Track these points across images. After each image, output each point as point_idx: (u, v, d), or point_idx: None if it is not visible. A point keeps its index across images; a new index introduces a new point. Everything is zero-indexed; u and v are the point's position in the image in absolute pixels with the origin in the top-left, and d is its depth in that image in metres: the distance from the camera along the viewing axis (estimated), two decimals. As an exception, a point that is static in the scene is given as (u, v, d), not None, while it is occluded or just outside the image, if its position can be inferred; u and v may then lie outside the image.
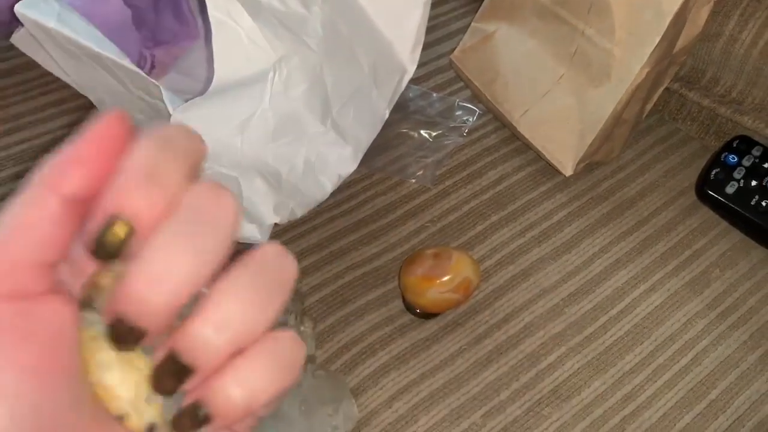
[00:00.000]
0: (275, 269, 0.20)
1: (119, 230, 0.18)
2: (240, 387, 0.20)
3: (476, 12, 0.66)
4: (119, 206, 0.18)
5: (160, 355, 0.20)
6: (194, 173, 0.20)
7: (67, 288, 0.20)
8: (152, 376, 0.20)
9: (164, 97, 0.42)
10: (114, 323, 0.19)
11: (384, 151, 0.62)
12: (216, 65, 0.43)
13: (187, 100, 0.46)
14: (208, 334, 0.19)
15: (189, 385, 0.20)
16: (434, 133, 0.64)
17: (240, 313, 0.19)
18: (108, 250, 0.18)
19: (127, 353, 0.21)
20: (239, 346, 0.20)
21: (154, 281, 0.18)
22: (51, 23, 0.44)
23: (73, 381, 0.19)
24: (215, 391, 0.20)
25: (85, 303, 0.20)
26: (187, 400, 0.20)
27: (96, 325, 0.20)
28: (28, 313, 0.18)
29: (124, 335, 0.19)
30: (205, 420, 0.20)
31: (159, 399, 0.21)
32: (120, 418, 0.20)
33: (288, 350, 0.20)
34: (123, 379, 0.20)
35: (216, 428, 0.20)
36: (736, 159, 0.60)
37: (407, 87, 0.58)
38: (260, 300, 0.20)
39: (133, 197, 0.18)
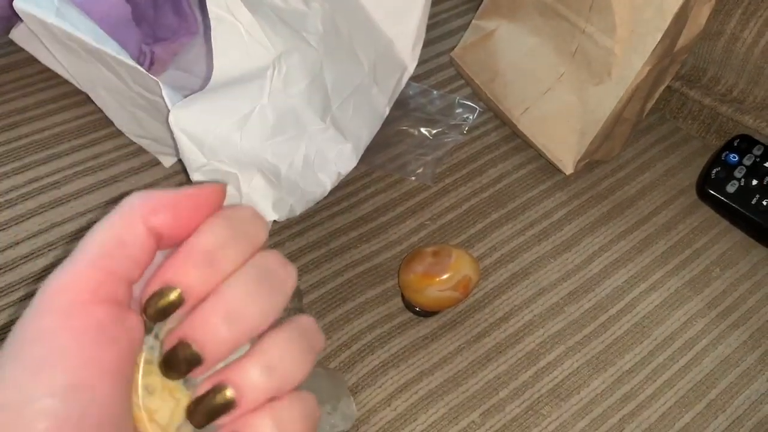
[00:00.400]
0: (313, 336, 0.23)
1: (171, 296, 0.21)
2: (275, 426, 0.21)
3: (477, 9, 0.66)
4: (176, 279, 0.21)
5: (203, 389, 0.22)
6: (255, 254, 0.22)
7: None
8: (192, 404, 0.22)
9: (163, 94, 0.42)
10: (175, 347, 0.21)
11: (384, 148, 0.62)
12: (215, 61, 0.43)
13: (186, 96, 0.46)
14: (258, 372, 0.21)
15: (223, 421, 0.22)
16: (434, 131, 0.64)
17: (287, 362, 0.22)
18: (158, 312, 0.21)
19: (171, 383, 0.22)
20: (279, 393, 0.22)
21: (230, 314, 0.21)
22: (50, 18, 0.44)
23: (130, 392, 0.21)
24: (251, 426, 0.21)
25: (150, 328, 0.22)
26: None
27: (152, 350, 0.22)
28: (119, 320, 0.21)
29: (180, 361, 0.21)
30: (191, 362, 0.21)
31: (188, 430, 0.22)
32: None
33: (313, 407, 0.23)
34: (161, 406, 0.22)
35: None
36: (737, 158, 0.60)
37: (407, 84, 0.58)
38: (302, 356, 0.22)
39: (190, 275, 0.21)
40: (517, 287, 0.55)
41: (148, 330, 0.22)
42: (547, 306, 0.54)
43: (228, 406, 0.21)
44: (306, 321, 0.23)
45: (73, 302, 0.20)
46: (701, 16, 0.55)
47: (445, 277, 0.50)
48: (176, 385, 0.22)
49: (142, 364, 0.22)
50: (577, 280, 0.56)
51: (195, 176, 0.44)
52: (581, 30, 0.56)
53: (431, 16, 0.61)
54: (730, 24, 0.60)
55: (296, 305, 0.50)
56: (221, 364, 0.22)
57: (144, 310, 0.21)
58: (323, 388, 0.47)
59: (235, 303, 0.21)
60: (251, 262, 0.22)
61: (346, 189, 0.59)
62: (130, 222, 0.21)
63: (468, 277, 0.50)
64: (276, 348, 0.22)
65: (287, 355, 0.22)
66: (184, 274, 0.21)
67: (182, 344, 0.21)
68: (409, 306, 0.52)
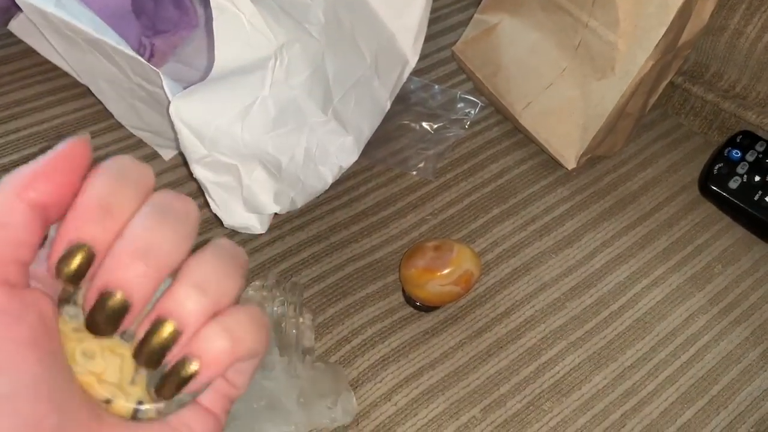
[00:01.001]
0: (233, 251, 0.23)
1: (79, 254, 0.21)
2: (223, 332, 0.21)
3: (479, 4, 0.65)
4: (78, 235, 0.21)
5: (142, 330, 0.21)
6: (147, 196, 0.22)
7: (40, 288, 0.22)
8: (138, 350, 0.21)
9: (164, 84, 0.42)
10: (99, 300, 0.21)
11: (385, 142, 0.62)
12: (216, 51, 0.42)
13: (186, 88, 0.45)
14: (190, 293, 0.21)
15: (172, 353, 0.21)
16: (436, 126, 0.63)
17: (215, 277, 0.22)
18: (71, 274, 0.21)
19: (109, 341, 0.22)
20: (217, 309, 0.22)
21: (141, 249, 0.21)
22: (49, 8, 0.44)
23: (64, 363, 0.21)
24: (199, 341, 0.21)
25: (65, 298, 0.22)
26: (171, 359, 0.21)
27: (78, 317, 0.22)
28: (17, 299, 0.20)
29: (108, 313, 0.21)
30: (191, 375, 0.21)
31: (143, 377, 0.22)
32: (107, 402, 0.22)
33: (259, 313, 0.23)
34: (107, 365, 0.22)
35: (201, 384, 0.22)
36: (739, 154, 0.60)
37: (409, 78, 0.58)
38: (228, 270, 0.22)
39: (91, 229, 0.21)
40: (518, 282, 0.55)
41: (67, 300, 0.22)
42: (549, 301, 0.54)
43: (173, 337, 0.21)
44: (222, 240, 0.23)
45: None
46: (705, 11, 0.55)
47: (446, 271, 0.49)
48: (114, 342, 0.22)
49: (71, 333, 0.22)
50: (578, 275, 0.56)
51: (195, 168, 0.43)
52: (584, 24, 0.56)
53: (433, 11, 0.60)
54: (734, 19, 0.59)
55: (297, 299, 0.50)
56: (148, 306, 0.22)
57: (57, 275, 0.21)
58: (323, 383, 0.47)
59: (142, 238, 0.21)
60: (146, 201, 0.22)
61: (347, 183, 0.59)
62: (6, 203, 0.20)
63: (469, 271, 0.50)
64: (199, 267, 0.22)
65: (212, 270, 0.22)
66: (85, 230, 0.21)
67: (105, 294, 0.21)
68: (409, 301, 0.52)
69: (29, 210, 0.20)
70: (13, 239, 0.20)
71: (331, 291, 0.53)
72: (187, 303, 0.21)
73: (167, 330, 0.21)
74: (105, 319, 0.21)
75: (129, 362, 0.22)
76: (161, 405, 0.22)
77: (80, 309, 0.22)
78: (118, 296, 0.21)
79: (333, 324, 0.51)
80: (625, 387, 0.50)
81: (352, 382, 0.48)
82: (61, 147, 0.21)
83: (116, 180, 0.21)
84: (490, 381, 0.49)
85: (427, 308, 0.52)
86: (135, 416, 0.22)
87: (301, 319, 0.50)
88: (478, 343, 0.51)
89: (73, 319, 0.22)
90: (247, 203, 0.46)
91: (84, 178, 0.21)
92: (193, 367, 0.21)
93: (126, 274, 0.20)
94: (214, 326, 0.21)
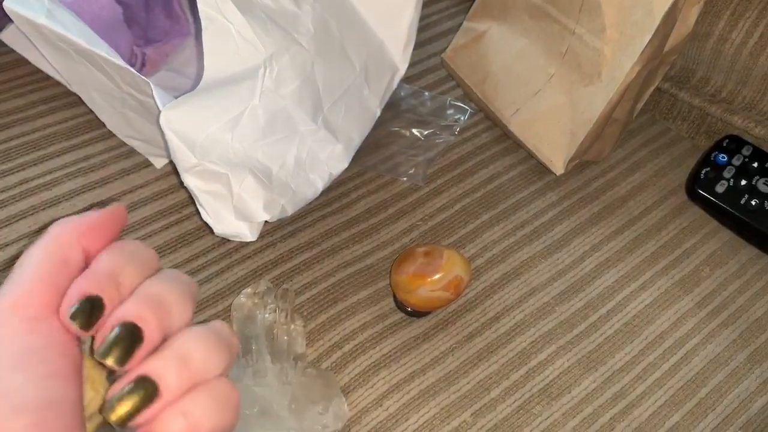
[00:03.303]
0: (225, 336, 0.25)
1: (92, 305, 0.23)
2: (183, 417, 0.22)
3: (468, 11, 0.66)
4: (90, 290, 0.23)
5: (123, 381, 0.23)
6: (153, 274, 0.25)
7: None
8: (112, 396, 0.22)
9: (154, 94, 0.42)
10: (115, 334, 0.23)
11: (375, 149, 0.62)
12: (206, 61, 0.43)
13: (177, 97, 0.46)
14: (170, 364, 0.22)
15: (145, 415, 0.22)
16: (426, 132, 0.64)
17: (200, 353, 0.23)
18: (83, 320, 0.23)
19: (95, 375, 0.24)
20: (194, 383, 0.23)
21: (151, 299, 0.23)
22: (40, 19, 0.44)
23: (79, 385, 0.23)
24: (162, 422, 0.22)
25: None
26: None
27: (86, 343, 0.24)
28: (43, 331, 0.23)
29: (123, 340, 0.23)
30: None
31: (97, 420, 0.24)
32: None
33: (226, 391, 0.24)
34: (84, 394, 0.23)
35: None
36: (726, 158, 0.61)
37: (399, 86, 0.59)
38: (217, 349, 0.24)
39: (102, 284, 0.23)
40: (508, 287, 0.55)
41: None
42: (538, 306, 0.54)
43: (151, 396, 0.22)
44: (218, 323, 0.25)
45: (33, 313, 0.23)
46: (690, 17, 0.56)
47: (436, 277, 0.50)
48: (100, 379, 0.24)
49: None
50: (567, 279, 0.56)
51: (186, 177, 0.44)
52: (571, 31, 0.57)
53: (422, 18, 0.61)
54: (719, 25, 0.60)
55: (288, 306, 0.50)
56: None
57: (70, 319, 0.23)
58: (315, 389, 0.47)
59: (154, 291, 0.24)
60: (157, 275, 0.25)
61: (337, 190, 0.59)
62: (71, 243, 0.24)
63: (459, 277, 0.50)
64: (188, 341, 0.23)
65: (200, 346, 0.23)
66: (98, 286, 0.23)
67: (121, 323, 0.23)
68: (400, 306, 0.53)
69: (83, 253, 0.24)
70: (71, 276, 0.23)
71: (323, 297, 0.53)
72: (168, 370, 0.22)
73: (148, 385, 0.22)
74: (120, 346, 0.22)
75: (98, 401, 0.24)
76: None
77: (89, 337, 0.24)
78: (132, 324, 0.23)
79: (324, 330, 0.51)
80: (614, 390, 0.51)
81: (344, 387, 0.49)
82: (111, 209, 0.25)
83: (127, 255, 0.25)
84: (480, 385, 0.50)
85: (417, 314, 0.52)
86: None
87: (292, 326, 0.50)
88: (469, 348, 0.51)
89: (83, 344, 0.24)
90: (238, 211, 0.46)
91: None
92: None
93: (139, 311, 0.23)
94: (174, 413, 0.22)
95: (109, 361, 0.22)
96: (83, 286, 0.23)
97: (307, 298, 0.53)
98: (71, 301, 0.23)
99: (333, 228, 0.57)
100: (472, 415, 0.48)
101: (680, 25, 0.56)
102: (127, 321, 0.23)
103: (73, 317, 0.23)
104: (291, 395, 0.46)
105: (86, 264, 0.24)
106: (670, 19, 0.53)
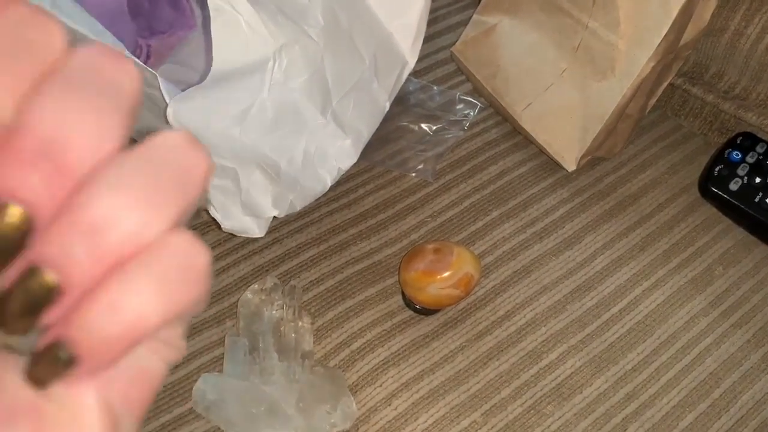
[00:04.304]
0: (175, 160, 0.15)
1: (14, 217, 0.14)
2: (110, 312, 0.15)
3: (477, 4, 0.65)
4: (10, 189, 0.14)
5: (11, 275, 0.15)
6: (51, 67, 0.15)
7: None
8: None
9: (161, 87, 0.41)
10: None
11: (384, 144, 0.61)
12: (214, 53, 0.42)
13: (184, 90, 0.45)
14: (75, 240, 0.14)
15: (49, 317, 0.15)
16: (435, 127, 0.63)
17: (121, 213, 0.14)
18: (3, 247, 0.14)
19: None
20: (119, 258, 0.15)
21: (42, 147, 0.14)
22: (44, 8, 0.43)
23: None
24: (78, 322, 0.15)
25: None
26: (43, 340, 0.15)
27: None
28: None
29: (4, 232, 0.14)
30: (69, 363, 0.15)
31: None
32: None
33: (178, 254, 0.15)
34: None
35: (89, 372, 0.16)
36: (739, 156, 0.60)
37: (408, 80, 0.58)
38: (150, 196, 0.15)
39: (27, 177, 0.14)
40: (518, 285, 0.54)
41: None
42: (549, 304, 0.53)
43: (48, 293, 0.15)
44: (159, 137, 0.16)
45: None
46: (706, 11, 0.55)
47: (446, 274, 0.49)
48: None
49: None
50: (579, 278, 0.55)
51: (193, 171, 0.43)
52: (584, 25, 0.56)
53: (431, 11, 0.60)
54: (734, 20, 0.59)
55: (295, 303, 0.50)
56: None
57: None
58: (323, 387, 0.47)
59: (46, 125, 0.14)
60: (55, 70, 0.15)
61: (345, 185, 0.58)
62: None
63: (469, 274, 0.49)
64: (103, 190, 0.14)
65: (130, 198, 0.15)
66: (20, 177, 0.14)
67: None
68: (409, 304, 0.52)
69: None
70: None
71: (330, 294, 0.52)
72: (74, 250, 0.14)
73: (43, 283, 0.14)
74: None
75: None
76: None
77: None
78: (16, 212, 0.14)
79: (332, 327, 0.51)
80: (627, 390, 0.50)
81: (352, 386, 0.48)
82: None
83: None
84: (490, 385, 0.49)
85: (427, 311, 0.52)
86: None
87: (300, 323, 0.49)
88: (479, 347, 0.51)
89: None
90: (246, 207, 0.45)
91: None
92: (68, 353, 0.15)
93: (26, 180, 0.14)
94: (96, 304, 0.15)
95: None
96: None
97: (315, 295, 0.52)
98: None
99: (340, 224, 0.56)
100: (482, 414, 0.48)
101: (696, 18, 0.55)
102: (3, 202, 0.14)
103: None
104: (299, 394, 0.46)
105: None
106: (686, 12, 0.52)
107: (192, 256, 0.15)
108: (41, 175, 0.14)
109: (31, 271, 0.14)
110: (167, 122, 0.42)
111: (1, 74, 0.14)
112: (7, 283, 0.15)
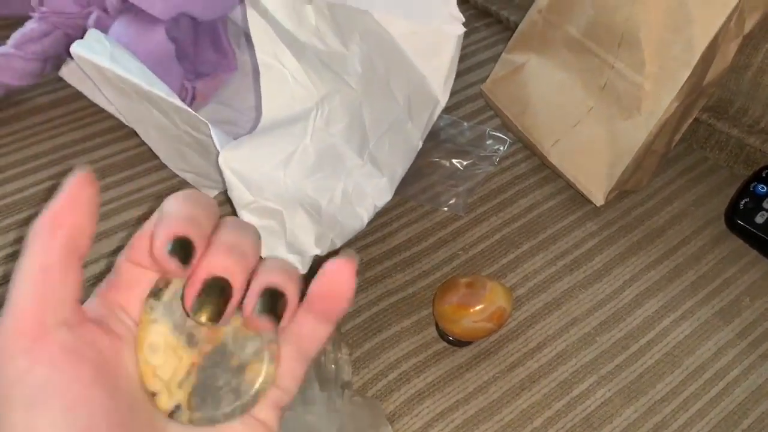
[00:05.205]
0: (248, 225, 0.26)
1: (183, 243, 0.23)
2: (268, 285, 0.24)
3: (506, 41, 0.67)
4: (176, 232, 0.23)
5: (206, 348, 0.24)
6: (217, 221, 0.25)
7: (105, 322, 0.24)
8: (249, 312, 0.24)
9: (213, 135, 0.44)
10: (203, 285, 0.23)
11: (416, 179, 0.64)
12: (264, 105, 0.45)
13: (228, 131, 0.48)
14: (222, 254, 0.23)
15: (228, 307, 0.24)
16: (465, 162, 0.65)
17: (248, 241, 0.25)
18: (181, 255, 0.22)
19: (175, 341, 0.24)
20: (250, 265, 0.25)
21: (231, 248, 0.24)
22: (105, 63, 0.47)
23: (128, 387, 0.23)
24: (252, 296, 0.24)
25: (154, 293, 0.25)
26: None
27: (153, 310, 0.24)
28: (76, 337, 0.22)
29: (212, 294, 0.23)
30: (283, 305, 0.24)
31: (190, 384, 0.24)
32: (153, 395, 0.24)
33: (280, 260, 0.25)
34: (165, 362, 0.24)
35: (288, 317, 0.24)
36: (765, 189, 0.61)
37: (438, 116, 0.60)
38: (255, 233, 0.25)
39: (189, 228, 0.23)
40: (549, 317, 0.56)
41: (154, 295, 0.24)
42: (579, 336, 0.55)
43: (227, 287, 0.23)
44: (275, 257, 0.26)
45: (31, 339, 0.21)
46: (729, 52, 0.56)
47: (479, 308, 0.51)
48: (179, 344, 0.24)
49: (148, 325, 0.24)
50: (608, 309, 0.57)
51: (242, 213, 0.46)
52: (610, 66, 0.58)
53: (461, 49, 0.62)
54: (758, 57, 0.61)
55: (335, 334, 0.52)
56: None
57: (160, 261, 0.22)
58: (362, 417, 0.49)
59: (230, 239, 0.24)
60: (221, 222, 0.24)
61: (379, 219, 0.61)
62: (44, 248, 0.22)
63: (502, 308, 0.51)
64: (225, 235, 0.24)
65: (242, 234, 0.24)
66: (185, 230, 0.23)
67: (208, 277, 0.23)
68: (443, 335, 0.54)
69: (64, 250, 0.22)
70: (56, 281, 0.22)
71: (367, 325, 0.55)
72: (223, 259, 0.23)
73: (219, 281, 0.23)
74: (211, 300, 0.23)
75: (184, 366, 0.24)
76: (197, 415, 0.24)
77: (161, 304, 0.24)
78: (222, 279, 0.23)
79: (369, 358, 0.53)
80: (656, 420, 0.51)
81: (389, 416, 0.50)
82: (72, 181, 0.22)
83: (192, 202, 0.24)
84: (523, 415, 0.51)
85: (460, 343, 0.54)
86: (171, 415, 0.24)
87: (339, 354, 0.51)
88: (511, 378, 0.52)
89: (153, 311, 0.24)
90: (290, 246, 0.48)
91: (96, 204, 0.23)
92: (283, 298, 0.24)
93: (226, 264, 0.23)
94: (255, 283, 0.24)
95: (203, 318, 0.23)
96: (171, 228, 0.22)
97: (352, 326, 0.54)
98: (164, 242, 0.22)
99: (376, 257, 0.59)
100: (515, 444, 0.49)
101: (719, 59, 0.56)
102: (217, 276, 0.23)
103: (171, 254, 0.22)
104: (339, 423, 0.48)
105: (83, 238, 0.23)
106: (709, 54, 0.54)
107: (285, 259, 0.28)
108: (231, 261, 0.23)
109: (212, 280, 0.23)
110: (218, 166, 0.45)
111: (205, 215, 0.25)
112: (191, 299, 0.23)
